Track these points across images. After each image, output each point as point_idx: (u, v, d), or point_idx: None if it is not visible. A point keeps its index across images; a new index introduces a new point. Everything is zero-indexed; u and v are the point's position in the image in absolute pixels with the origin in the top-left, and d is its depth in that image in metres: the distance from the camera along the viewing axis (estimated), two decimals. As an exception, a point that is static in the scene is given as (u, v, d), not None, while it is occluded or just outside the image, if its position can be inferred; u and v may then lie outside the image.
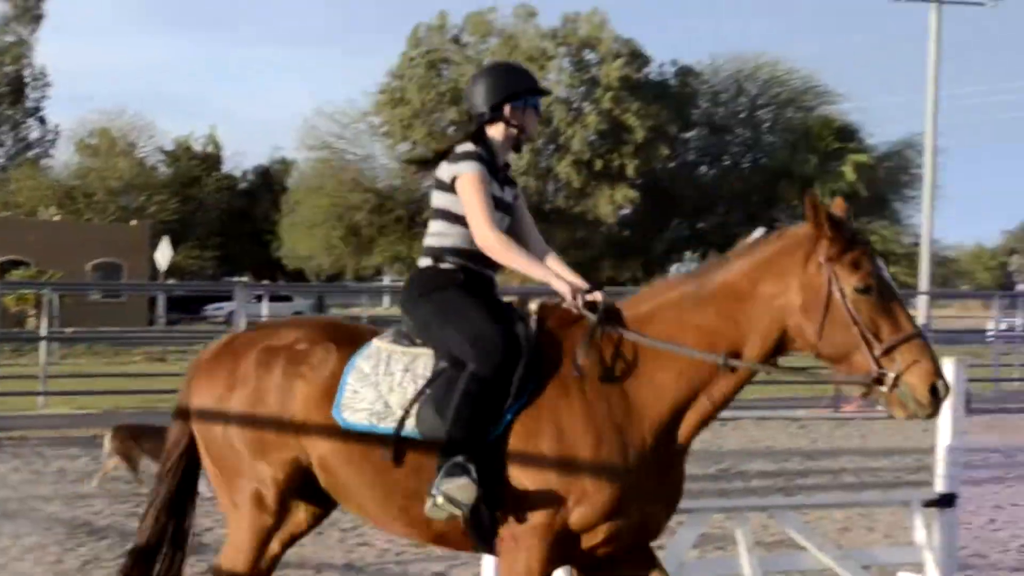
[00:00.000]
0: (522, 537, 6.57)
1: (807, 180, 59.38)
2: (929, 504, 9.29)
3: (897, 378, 6.32)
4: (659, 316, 6.77)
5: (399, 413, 6.71)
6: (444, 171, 7.14)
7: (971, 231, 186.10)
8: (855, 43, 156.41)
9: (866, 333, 6.40)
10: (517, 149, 7.32)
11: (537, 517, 6.55)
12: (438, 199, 7.17)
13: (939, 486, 9.38)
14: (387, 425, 6.74)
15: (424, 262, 7.18)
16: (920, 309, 33.89)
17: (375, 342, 7.02)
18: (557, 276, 6.98)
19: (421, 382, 6.79)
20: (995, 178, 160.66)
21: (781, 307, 6.58)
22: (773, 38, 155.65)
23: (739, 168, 62.67)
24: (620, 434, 6.59)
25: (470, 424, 6.55)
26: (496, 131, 7.29)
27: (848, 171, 60.05)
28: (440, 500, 6.44)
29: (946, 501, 9.28)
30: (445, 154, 7.20)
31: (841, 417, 24.06)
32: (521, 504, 6.56)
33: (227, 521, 7.19)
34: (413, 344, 6.99)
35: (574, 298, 6.83)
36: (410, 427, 6.69)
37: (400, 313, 7.21)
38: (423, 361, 6.87)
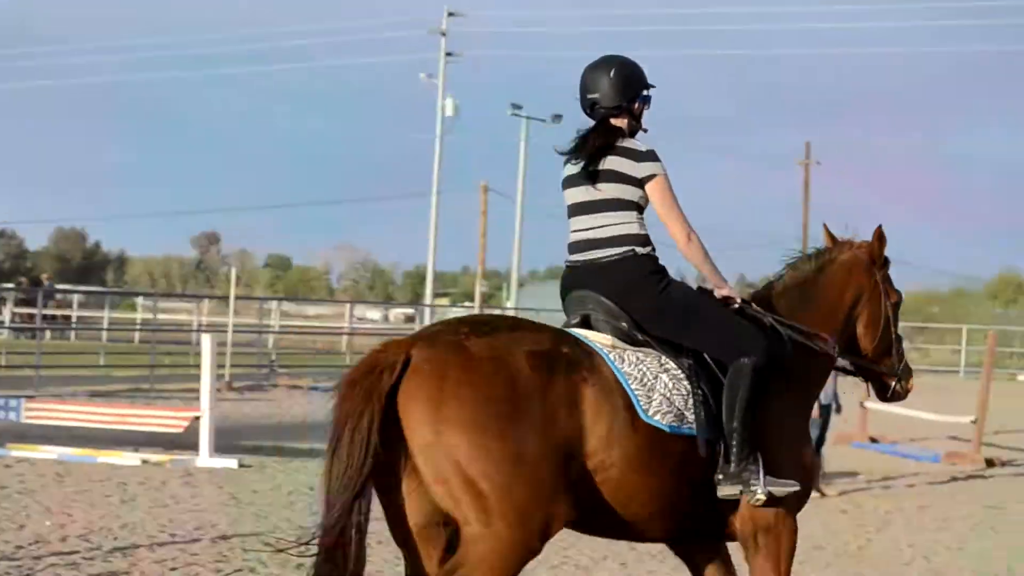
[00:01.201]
0: (782, 523, 7.25)
1: None
2: None
3: (903, 373, 8.10)
4: (797, 318, 7.69)
5: (690, 414, 6.98)
6: (633, 166, 7.29)
7: None
8: None
9: (899, 339, 8.10)
10: None
11: (787, 502, 7.23)
12: (615, 190, 7.31)
13: None
14: (688, 426, 6.95)
15: (639, 249, 7.32)
16: None
17: (602, 344, 7.08)
18: (728, 284, 7.60)
19: (686, 383, 7.05)
20: None
21: (857, 315, 7.98)
22: None
23: None
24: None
25: (755, 418, 7.09)
26: (621, 123, 7.48)
27: None
28: (760, 495, 7.00)
29: None
30: (603, 147, 7.32)
31: None
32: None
33: (476, 545, 6.42)
34: (637, 342, 7.16)
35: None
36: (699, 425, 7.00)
37: (618, 299, 7.23)
38: (668, 361, 7.10)
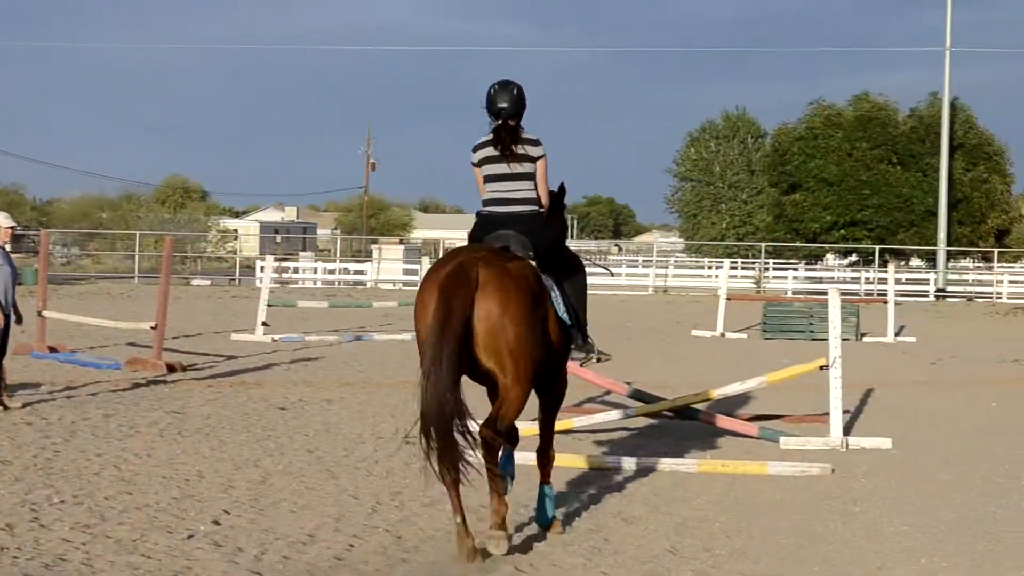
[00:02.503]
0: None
1: None
2: None
3: None
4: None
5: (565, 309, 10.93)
6: (533, 149, 11.11)
7: None
8: None
9: None
10: None
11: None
12: (525, 167, 11.06)
13: None
14: (565, 318, 10.90)
15: (538, 208, 11.14)
16: None
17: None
18: None
19: (560, 294, 10.89)
20: None
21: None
22: None
23: None
24: None
25: None
26: (513, 122, 11.12)
27: None
28: (595, 360, 12.39)
29: None
30: (516, 137, 11.06)
31: None
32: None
33: (510, 391, 10.08)
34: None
35: None
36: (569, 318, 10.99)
37: (525, 236, 10.85)
38: (550, 280, 10.83)
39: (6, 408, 16.83)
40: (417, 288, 10.54)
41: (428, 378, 9.76)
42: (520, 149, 11.04)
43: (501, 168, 11.07)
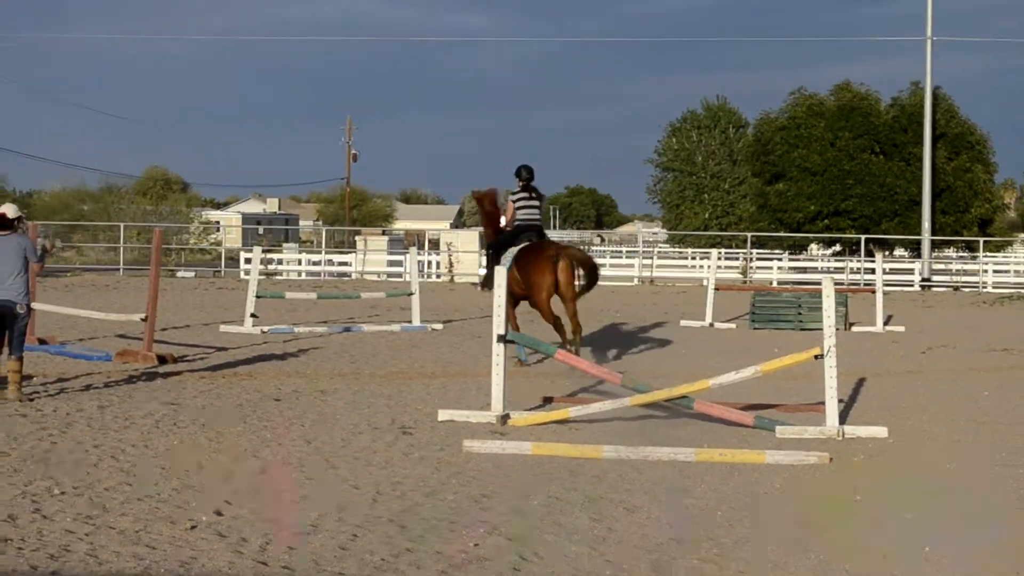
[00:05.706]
0: None
1: None
2: None
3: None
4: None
5: None
6: (541, 197, 23.52)
7: None
8: None
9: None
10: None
11: None
12: (537, 203, 23.38)
13: None
14: None
15: (541, 223, 23.58)
16: None
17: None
18: None
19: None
20: None
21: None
22: None
23: None
24: None
25: None
26: (533, 183, 23.52)
27: None
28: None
29: None
30: (531, 186, 23.42)
31: None
32: None
33: (572, 301, 22.52)
34: None
35: None
36: None
37: (541, 235, 23.57)
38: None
39: (21, 400, 16.78)
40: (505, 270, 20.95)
41: (569, 280, 22.24)
42: (536, 195, 22.88)
43: (529, 203, 22.84)
